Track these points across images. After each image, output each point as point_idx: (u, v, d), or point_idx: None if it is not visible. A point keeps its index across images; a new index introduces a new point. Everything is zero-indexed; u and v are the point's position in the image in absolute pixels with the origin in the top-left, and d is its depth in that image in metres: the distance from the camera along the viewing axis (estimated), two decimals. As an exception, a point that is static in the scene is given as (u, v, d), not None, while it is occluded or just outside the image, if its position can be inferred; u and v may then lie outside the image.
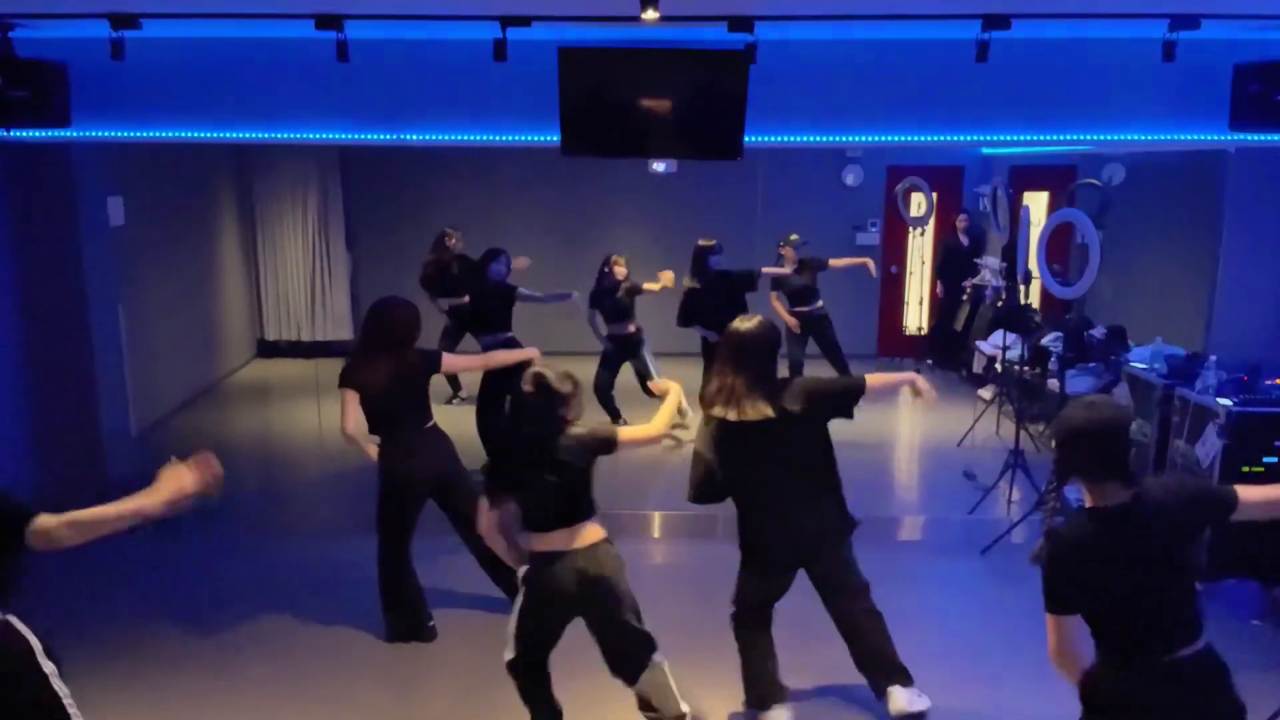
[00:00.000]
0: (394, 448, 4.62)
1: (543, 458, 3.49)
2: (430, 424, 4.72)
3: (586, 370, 8.17)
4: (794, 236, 8.34)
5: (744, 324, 3.81)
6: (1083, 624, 2.60)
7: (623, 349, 7.97)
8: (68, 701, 2.79)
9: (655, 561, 6.07)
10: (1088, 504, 2.64)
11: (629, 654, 3.63)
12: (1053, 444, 2.69)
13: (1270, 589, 5.17)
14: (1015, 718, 4.28)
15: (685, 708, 3.63)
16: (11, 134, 5.02)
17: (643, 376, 7.87)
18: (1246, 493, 2.67)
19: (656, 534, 6.35)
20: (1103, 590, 2.59)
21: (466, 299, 7.81)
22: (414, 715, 4.30)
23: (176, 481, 2.88)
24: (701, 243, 7.79)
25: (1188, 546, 2.68)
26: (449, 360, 4.86)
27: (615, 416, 7.89)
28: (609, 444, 3.60)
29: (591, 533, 3.57)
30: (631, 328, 7.95)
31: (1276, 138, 5.01)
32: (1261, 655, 4.74)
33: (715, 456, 3.83)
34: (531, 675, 3.77)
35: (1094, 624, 2.65)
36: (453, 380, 8.84)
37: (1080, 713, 2.77)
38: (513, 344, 7.05)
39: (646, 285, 7.86)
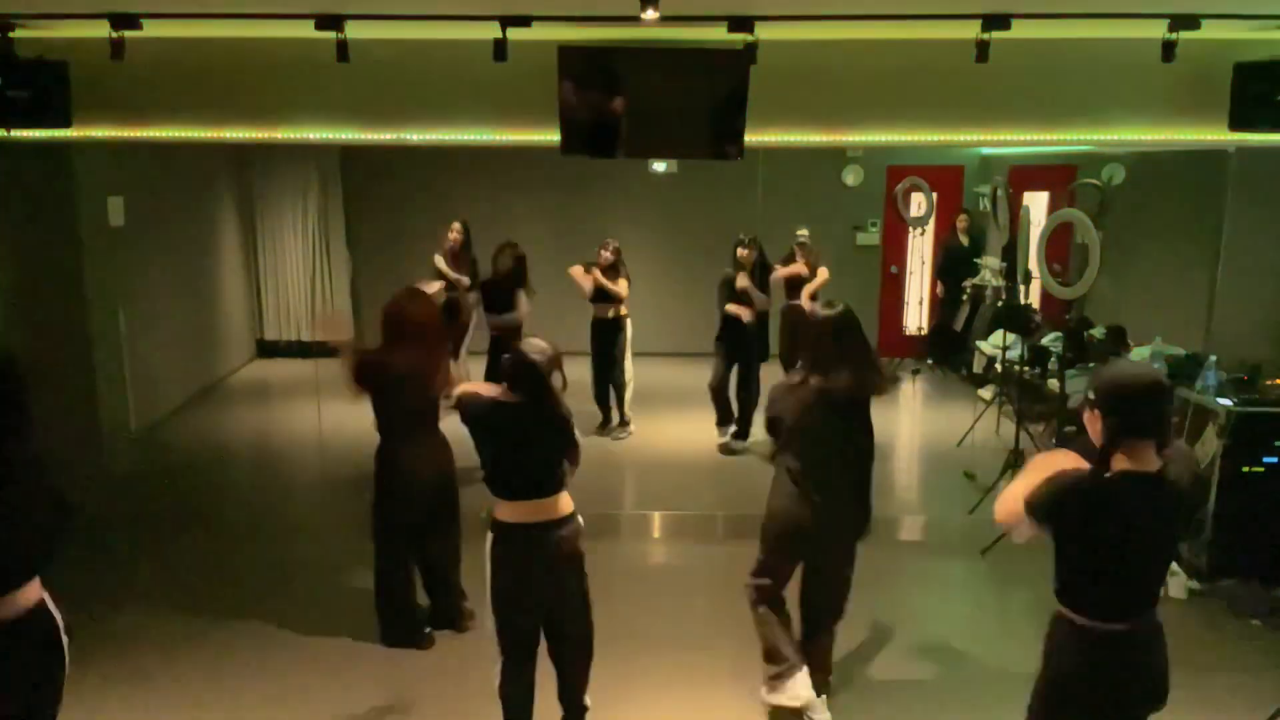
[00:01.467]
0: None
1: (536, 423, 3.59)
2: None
3: (578, 370, 8.18)
4: (802, 232, 8.26)
5: (836, 308, 4.02)
6: (1036, 530, 2.68)
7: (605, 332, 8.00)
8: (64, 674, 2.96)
9: (655, 561, 6.07)
10: (1120, 466, 2.59)
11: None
12: (1092, 403, 2.66)
13: (1270, 589, 5.17)
14: (1015, 717, 4.27)
15: None
16: (11, 134, 5.01)
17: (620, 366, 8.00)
18: None
19: (656, 534, 6.35)
20: (1102, 547, 2.62)
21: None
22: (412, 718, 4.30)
23: None
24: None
25: (1179, 524, 2.74)
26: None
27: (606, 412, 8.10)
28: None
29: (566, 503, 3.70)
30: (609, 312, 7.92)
31: (1276, 138, 5.01)
32: (1262, 655, 4.75)
33: (800, 416, 3.92)
34: (515, 671, 3.73)
35: (1071, 579, 2.71)
36: None
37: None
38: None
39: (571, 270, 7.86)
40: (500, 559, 3.63)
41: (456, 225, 8.42)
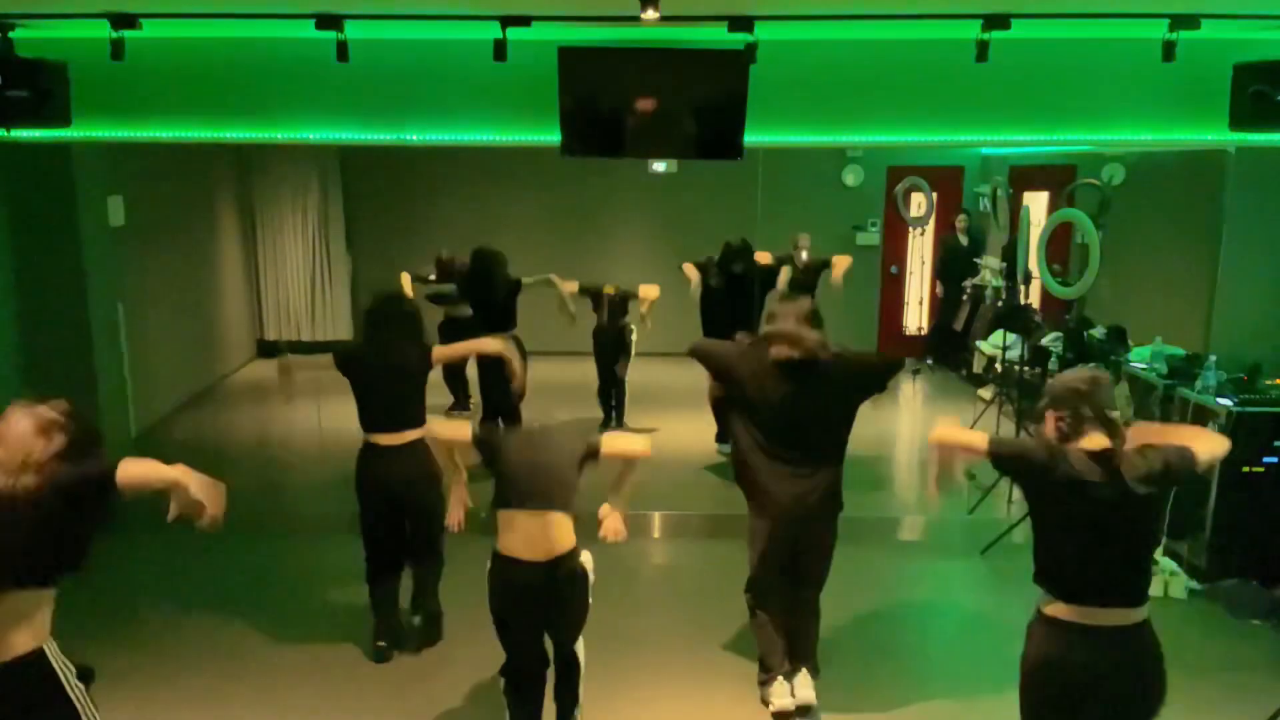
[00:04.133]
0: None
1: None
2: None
3: (580, 370, 8.20)
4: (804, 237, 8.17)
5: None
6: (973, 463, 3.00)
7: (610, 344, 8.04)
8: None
9: (655, 561, 6.07)
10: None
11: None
12: (1045, 406, 3.00)
13: (1270, 589, 5.17)
14: (1014, 715, 4.27)
15: None
16: (11, 134, 5.01)
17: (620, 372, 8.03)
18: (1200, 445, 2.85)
19: (656, 534, 6.35)
20: (1059, 517, 2.84)
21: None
22: None
23: (213, 492, 2.88)
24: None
25: (1148, 511, 2.83)
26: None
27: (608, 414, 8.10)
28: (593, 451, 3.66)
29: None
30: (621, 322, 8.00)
31: (1276, 138, 5.00)
32: (1261, 655, 4.75)
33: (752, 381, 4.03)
34: (518, 686, 3.72)
35: (1041, 556, 2.90)
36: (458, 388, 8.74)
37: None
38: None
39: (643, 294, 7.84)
40: (494, 591, 3.62)
41: (444, 253, 8.25)
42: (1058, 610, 2.85)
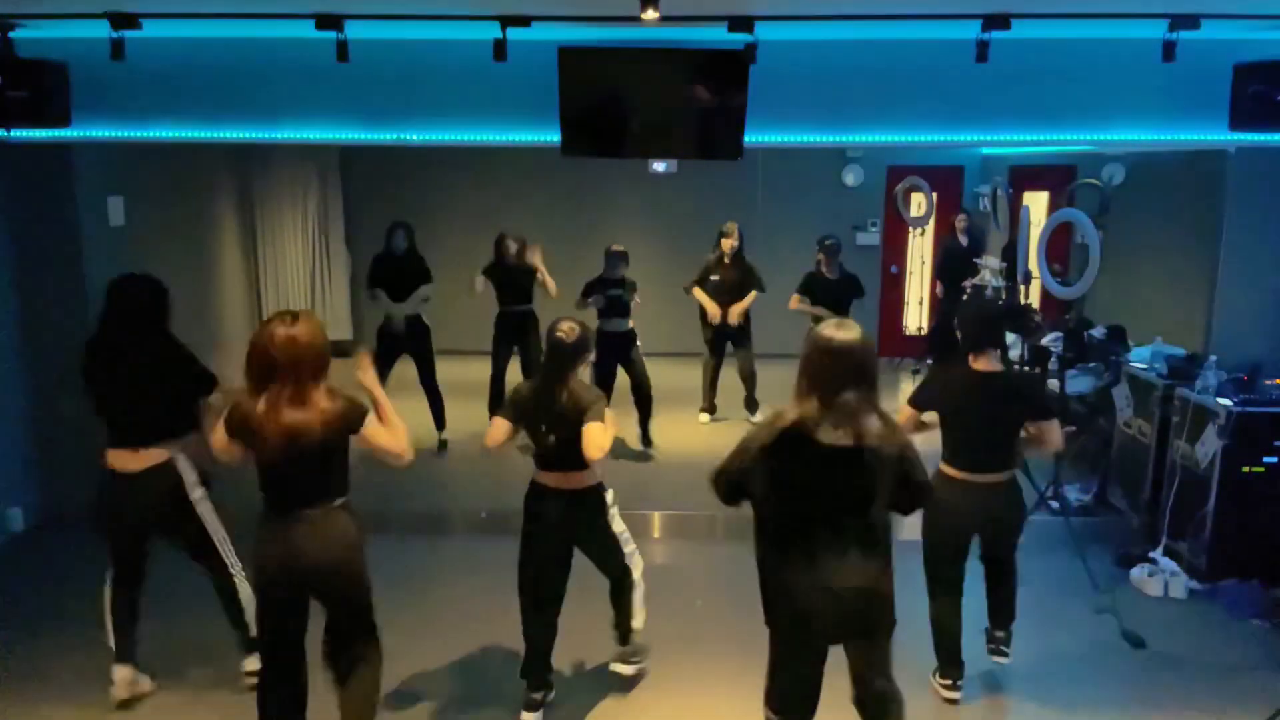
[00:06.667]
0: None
1: (550, 404, 3.88)
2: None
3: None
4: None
5: (848, 333, 3.26)
6: (921, 419, 4.18)
7: (614, 348, 7.47)
8: (210, 522, 4.28)
9: (655, 562, 6.06)
10: (973, 365, 4.12)
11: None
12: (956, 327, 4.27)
13: (1270, 589, 5.17)
14: (1015, 716, 4.28)
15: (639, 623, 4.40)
16: (11, 134, 5.02)
17: (640, 382, 7.59)
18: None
19: (656, 534, 6.35)
20: (950, 413, 4.15)
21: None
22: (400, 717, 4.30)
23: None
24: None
25: (1016, 418, 4.13)
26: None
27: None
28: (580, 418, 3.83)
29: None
30: (626, 325, 7.54)
31: (1276, 138, 5.01)
32: (1262, 655, 4.75)
33: (766, 468, 3.12)
34: (535, 607, 4.08)
35: (946, 442, 4.18)
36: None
37: None
38: (531, 316, 7.66)
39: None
40: (528, 509, 4.05)
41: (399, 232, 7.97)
42: (952, 471, 4.13)
